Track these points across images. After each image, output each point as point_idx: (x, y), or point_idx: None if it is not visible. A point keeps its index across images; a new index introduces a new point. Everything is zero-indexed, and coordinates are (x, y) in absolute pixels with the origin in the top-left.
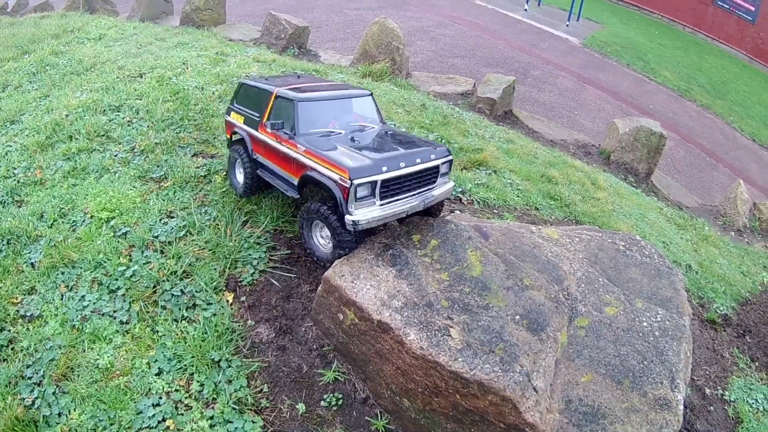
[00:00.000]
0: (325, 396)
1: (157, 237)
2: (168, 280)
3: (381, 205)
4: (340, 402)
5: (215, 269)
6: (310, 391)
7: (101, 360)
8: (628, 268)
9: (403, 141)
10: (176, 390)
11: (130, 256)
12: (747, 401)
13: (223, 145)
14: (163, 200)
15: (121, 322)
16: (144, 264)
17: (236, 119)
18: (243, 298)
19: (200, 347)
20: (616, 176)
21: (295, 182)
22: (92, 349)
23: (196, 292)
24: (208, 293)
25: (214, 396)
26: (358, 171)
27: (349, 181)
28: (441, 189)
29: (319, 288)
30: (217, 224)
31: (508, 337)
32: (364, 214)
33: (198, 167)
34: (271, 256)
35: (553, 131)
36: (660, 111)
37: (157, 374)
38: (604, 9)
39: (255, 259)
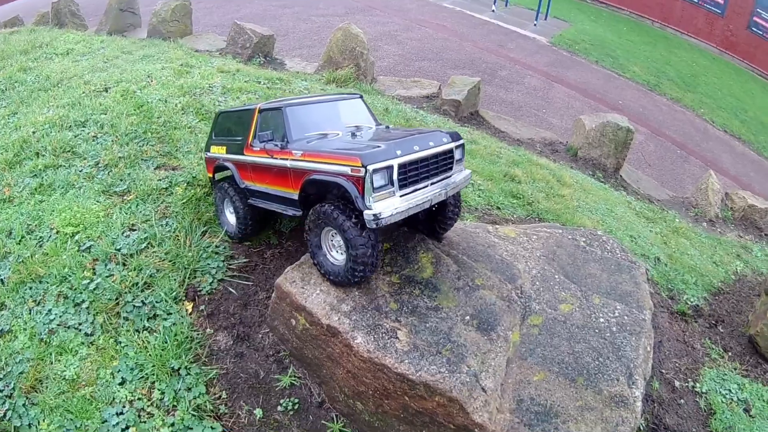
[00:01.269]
0: (281, 401)
1: (119, 250)
2: (130, 292)
3: (401, 195)
4: (296, 406)
5: (175, 280)
6: (267, 396)
7: (68, 371)
8: (587, 264)
9: (407, 132)
10: (139, 398)
11: (94, 269)
12: (720, 392)
13: (185, 156)
14: (126, 214)
15: (86, 334)
16: (107, 277)
17: (218, 152)
18: (202, 307)
19: (161, 356)
20: (583, 172)
21: (296, 196)
22: (59, 361)
23: (156, 302)
24: (168, 303)
25: (175, 403)
26: (370, 156)
27: (362, 169)
28: (459, 176)
29: (273, 295)
30: (177, 235)
31: (456, 338)
32: (385, 206)
33: (160, 179)
34: (229, 264)
35: (520, 130)
36: (630, 106)
37: (120, 384)
38: (572, 7)
39: (213, 268)
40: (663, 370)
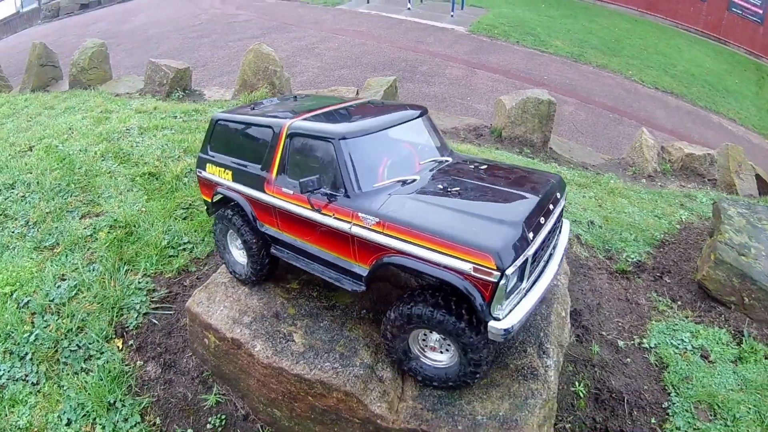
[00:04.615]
0: (210, 419)
1: (53, 300)
2: (66, 338)
3: (526, 289)
4: (223, 422)
5: (104, 320)
6: (196, 416)
7: (21, 420)
8: None
9: (507, 176)
10: None
11: (33, 322)
12: (670, 344)
13: (106, 201)
14: (56, 266)
15: (33, 384)
16: (44, 327)
17: (218, 175)
18: (131, 342)
19: (98, 393)
20: (509, 151)
21: (362, 270)
22: (12, 412)
23: (89, 344)
24: (100, 343)
25: None
26: (507, 252)
27: (496, 273)
28: (564, 235)
29: (186, 319)
30: (103, 278)
31: (349, 333)
32: (516, 315)
33: (85, 228)
34: (152, 298)
35: (443, 121)
36: (555, 80)
37: (67, 425)
38: None
39: (137, 303)
40: (603, 332)
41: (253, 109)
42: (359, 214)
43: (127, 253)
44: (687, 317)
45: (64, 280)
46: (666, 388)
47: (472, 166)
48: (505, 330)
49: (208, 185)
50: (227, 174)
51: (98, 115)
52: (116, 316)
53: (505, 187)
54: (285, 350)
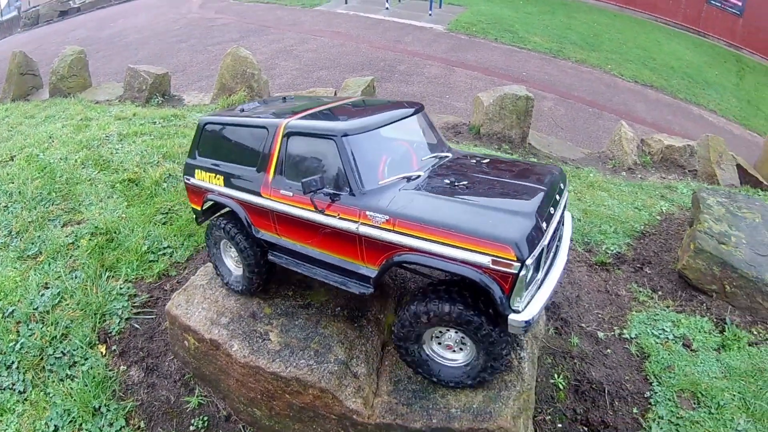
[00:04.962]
0: (192, 421)
1: (37, 309)
2: (51, 345)
3: (541, 280)
4: (206, 424)
5: (87, 326)
6: (179, 419)
7: (9, 429)
8: None
9: (510, 170)
10: None
11: (18, 331)
12: (652, 333)
13: (87, 208)
14: (40, 274)
15: (20, 392)
16: (29, 336)
17: (209, 181)
18: (114, 347)
19: (83, 399)
20: (488, 148)
21: (370, 272)
22: (1, 421)
23: (73, 350)
24: (84, 349)
25: None
26: (525, 242)
27: (516, 264)
28: (568, 227)
29: (167, 322)
30: (85, 285)
31: (323, 330)
32: (534, 306)
33: (67, 236)
34: (133, 303)
35: None
36: (534, 76)
37: (54, 431)
38: None
39: (119, 309)
40: (583, 324)
41: (243, 111)
42: (367, 213)
43: (108, 259)
44: (668, 307)
45: (48, 288)
46: (648, 377)
47: (474, 161)
48: (525, 322)
49: (197, 193)
50: (218, 179)
51: (78, 123)
52: (99, 322)
53: (510, 179)
54: (261, 349)
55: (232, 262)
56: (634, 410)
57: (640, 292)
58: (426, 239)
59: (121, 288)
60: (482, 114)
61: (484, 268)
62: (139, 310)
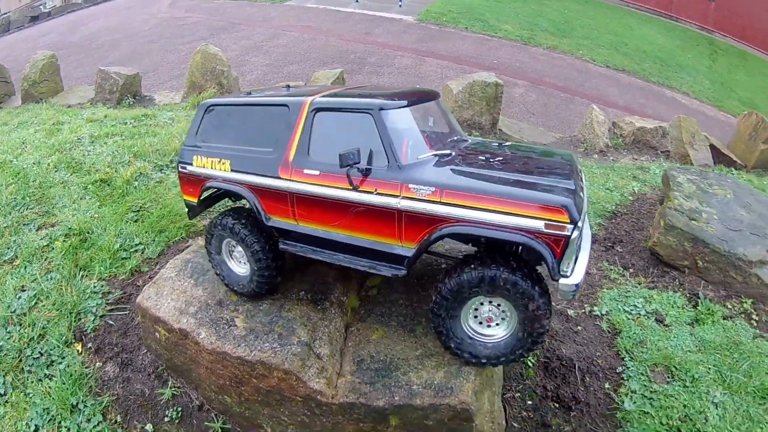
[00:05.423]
0: (167, 412)
1: (14, 312)
2: (29, 347)
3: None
4: (180, 414)
5: (63, 325)
6: (154, 411)
7: None
8: None
9: (533, 150)
10: None
11: None
12: (623, 310)
13: (60, 210)
14: (16, 278)
15: (0, 395)
16: (8, 339)
17: (211, 167)
18: (89, 345)
19: (61, 397)
20: None
21: (406, 251)
22: None
23: (50, 350)
24: (61, 348)
25: None
26: (575, 206)
27: (570, 226)
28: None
29: (139, 316)
30: (60, 285)
31: (287, 314)
32: (579, 270)
33: (41, 239)
34: (107, 300)
35: None
36: (505, 63)
37: (35, 431)
38: None
39: (93, 307)
40: (552, 302)
41: (249, 93)
42: (410, 186)
43: (82, 259)
44: (640, 284)
45: (24, 291)
46: (619, 353)
47: (496, 144)
48: (575, 285)
49: (194, 182)
50: (224, 164)
51: (50, 128)
52: (74, 321)
53: (538, 157)
54: (228, 335)
55: (237, 264)
56: (606, 385)
57: (611, 269)
58: (477, 208)
59: (94, 286)
60: (452, 101)
61: (537, 233)
62: (112, 306)
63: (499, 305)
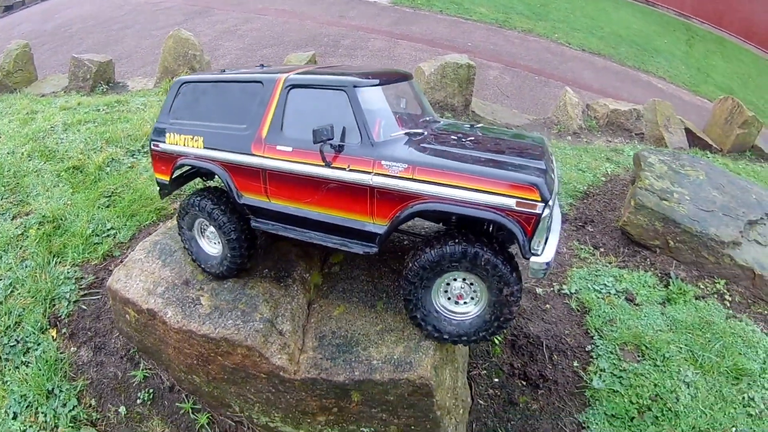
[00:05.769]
0: (139, 394)
1: None
2: (5, 335)
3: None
4: (152, 396)
5: (39, 312)
6: (127, 393)
7: None
8: None
9: (505, 133)
10: (30, 426)
11: None
12: (593, 288)
13: (34, 199)
14: None
15: None
16: None
17: (184, 144)
18: (64, 330)
19: (38, 383)
20: None
21: (378, 228)
22: None
23: (26, 337)
24: (36, 335)
25: (56, 421)
26: (546, 185)
27: (541, 204)
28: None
29: (110, 299)
30: (35, 273)
31: (250, 291)
32: (549, 248)
33: (16, 228)
34: (80, 285)
35: None
36: (480, 46)
37: (13, 418)
38: None
39: (67, 293)
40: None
41: (223, 71)
42: (382, 163)
43: (55, 245)
44: (610, 263)
45: (0, 280)
46: (589, 331)
47: (468, 125)
48: (546, 264)
49: (166, 159)
50: (196, 141)
51: (24, 117)
52: (49, 307)
53: (510, 138)
54: (193, 314)
55: (209, 244)
56: (575, 364)
57: (582, 249)
58: (449, 185)
59: (68, 272)
60: (424, 83)
61: (508, 211)
62: (85, 291)
63: (472, 284)
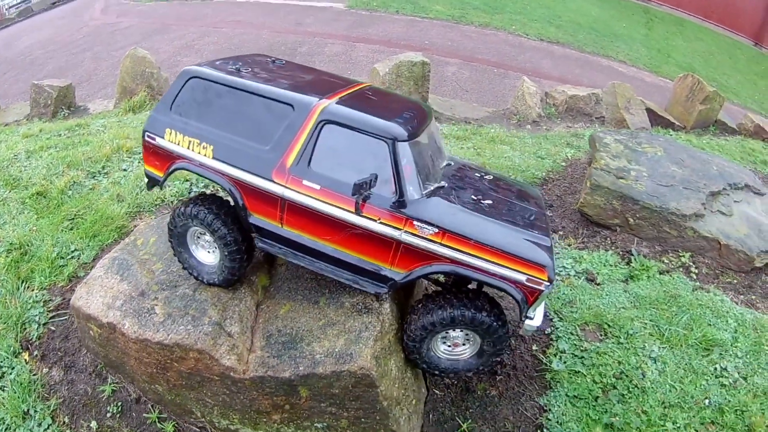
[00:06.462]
0: (108, 408)
1: None
2: None
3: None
4: (120, 409)
5: (11, 337)
6: (97, 408)
7: None
8: None
9: (510, 188)
10: None
11: None
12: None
13: (2, 228)
14: None
15: None
16: None
17: (187, 147)
18: (36, 353)
19: (13, 405)
20: None
21: (395, 276)
22: None
23: (1, 362)
24: (10, 359)
25: None
26: (553, 268)
27: (547, 283)
28: None
29: (74, 317)
30: (5, 299)
31: (200, 296)
32: (539, 313)
33: None
34: (48, 308)
35: None
36: (437, 43)
37: None
38: None
39: (36, 316)
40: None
41: (239, 71)
42: (414, 223)
43: (23, 271)
44: (570, 245)
45: None
46: (548, 314)
47: (477, 175)
48: (538, 327)
49: (161, 156)
50: (205, 149)
51: None
52: (20, 332)
53: (518, 201)
54: (148, 323)
55: (203, 252)
56: (534, 347)
57: None
58: (473, 255)
59: (36, 296)
60: (379, 83)
61: (518, 284)
62: (53, 313)
63: (467, 333)
